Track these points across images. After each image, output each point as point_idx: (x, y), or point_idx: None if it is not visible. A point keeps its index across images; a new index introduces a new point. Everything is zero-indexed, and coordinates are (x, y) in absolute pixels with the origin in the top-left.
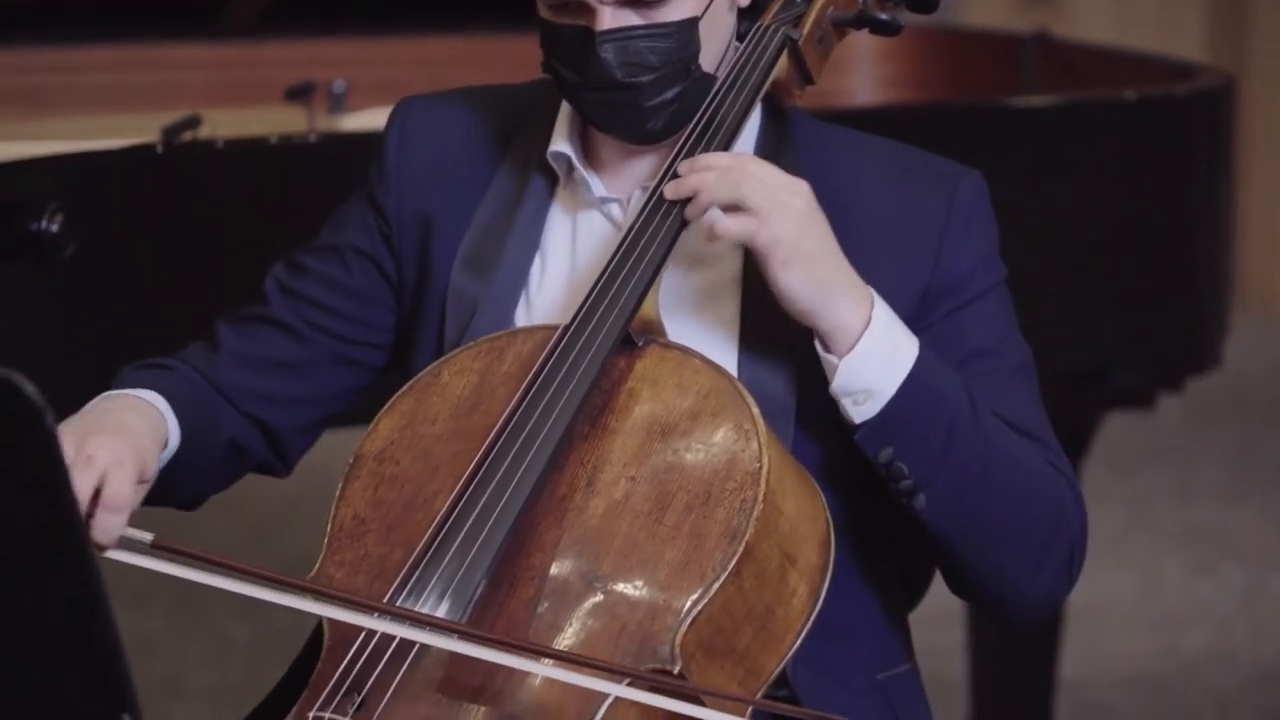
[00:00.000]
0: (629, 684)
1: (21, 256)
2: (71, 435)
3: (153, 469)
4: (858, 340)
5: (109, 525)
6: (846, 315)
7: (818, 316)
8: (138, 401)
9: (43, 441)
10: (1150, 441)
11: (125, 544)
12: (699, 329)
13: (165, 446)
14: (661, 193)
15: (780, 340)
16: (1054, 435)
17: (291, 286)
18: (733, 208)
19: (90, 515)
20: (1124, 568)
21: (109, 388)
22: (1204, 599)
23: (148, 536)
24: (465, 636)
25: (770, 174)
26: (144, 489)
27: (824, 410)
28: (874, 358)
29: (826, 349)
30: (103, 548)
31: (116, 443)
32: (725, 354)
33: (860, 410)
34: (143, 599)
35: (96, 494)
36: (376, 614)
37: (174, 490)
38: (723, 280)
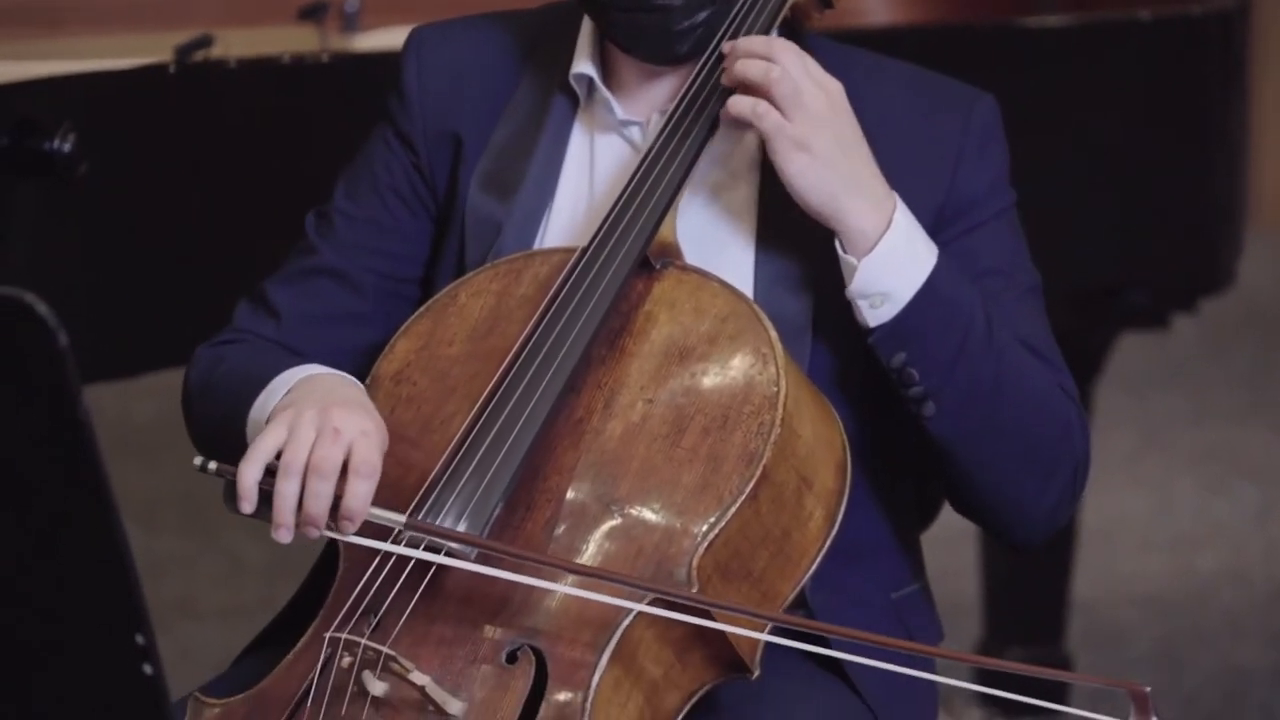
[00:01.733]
0: (651, 601)
1: (34, 176)
2: (309, 412)
3: (387, 439)
4: (877, 242)
5: (360, 492)
6: (865, 216)
7: (830, 215)
8: (337, 375)
9: (55, 360)
10: (1164, 362)
11: (374, 523)
12: (716, 252)
13: None
14: (679, 116)
15: (797, 262)
16: (1062, 359)
17: (336, 235)
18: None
19: (339, 489)
20: (1137, 488)
21: (125, 311)
22: (1217, 519)
23: (400, 517)
24: (487, 551)
25: (811, 67)
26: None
27: (841, 330)
28: (893, 260)
29: (845, 250)
30: (354, 516)
31: (357, 414)
32: (742, 276)
33: (876, 314)
34: (154, 519)
35: (343, 467)
36: (401, 531)
37: None
38: (740, 203)
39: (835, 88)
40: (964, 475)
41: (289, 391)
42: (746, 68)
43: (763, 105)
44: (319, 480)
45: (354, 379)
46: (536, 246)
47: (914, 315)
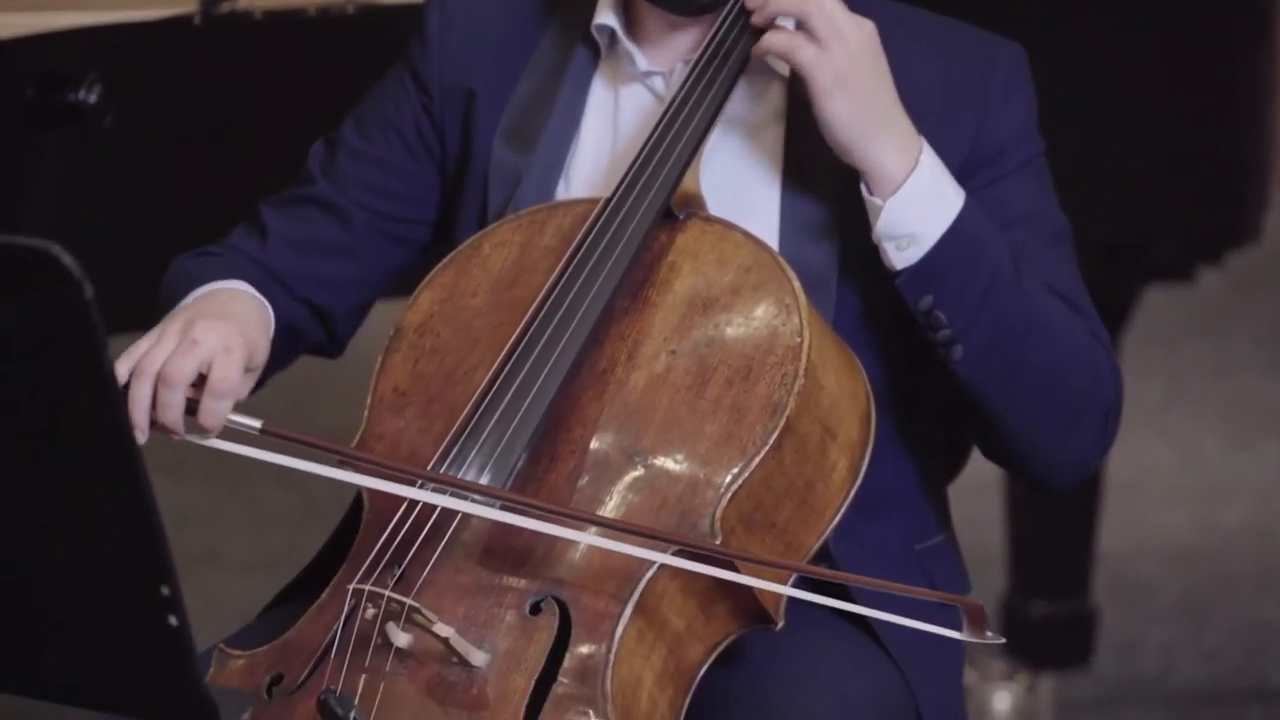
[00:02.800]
0: (676, 552)
1: (60, 127)
2: (177, 321)
3: (261, 357)
4: (903, 183)
5: (213, 410)
6: (891, 157)
7: (861, 154)
8: (239, 291)
9: (81, 312)
10: (1189, 315)
11: (233, 431)
12: (741, 202)
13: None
14: (703, 66)
15: (823, 210)
16: (1092, 305)
17: (336, 167)
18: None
19: (195, 400)
20: (1163, 442)
21: (149, 263)
22: (1243, 473)
23: (256, 423)
24: (510, 504)
25: (841, 6)
26: (252, 377)
27: (867, 278)
28: (919, 202)
29: (870, 192)
30: (207, 429)
31: (225, 328)
32: (767, 226)
33: (902, 256)
34: (179, 469)
35: (202, 379)
36: (423, 484)
37: None
38: (765, 152)
39: (869, 25)
40: (992, 420)
41: (194, 301)
42: (781, 2)
43: (800, 38)
44: (166, 390)
45: (263, 300)
46: (558, 197)
47: (941, 257)
